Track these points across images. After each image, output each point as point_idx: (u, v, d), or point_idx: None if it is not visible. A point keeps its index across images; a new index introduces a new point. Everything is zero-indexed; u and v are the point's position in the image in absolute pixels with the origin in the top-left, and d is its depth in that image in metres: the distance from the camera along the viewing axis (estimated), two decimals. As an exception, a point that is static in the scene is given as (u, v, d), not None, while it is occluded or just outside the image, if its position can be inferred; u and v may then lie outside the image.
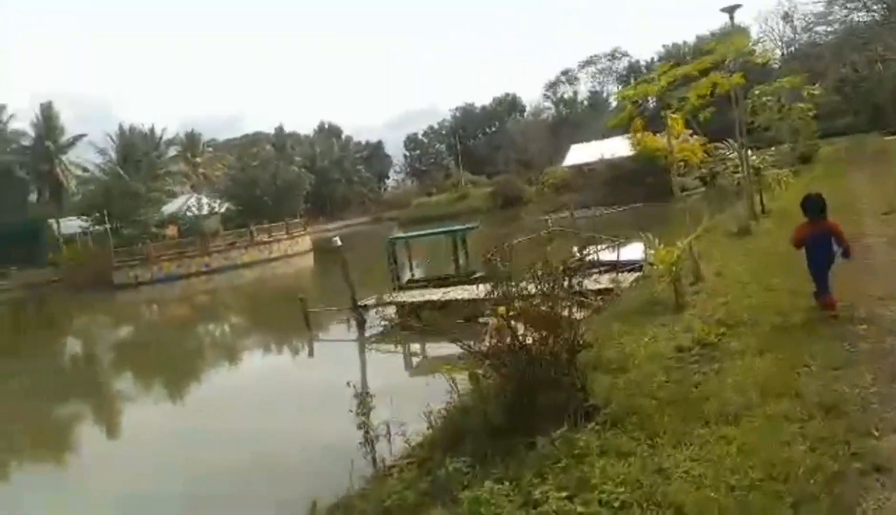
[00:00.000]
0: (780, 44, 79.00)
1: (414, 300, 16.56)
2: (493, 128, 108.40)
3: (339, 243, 17.33)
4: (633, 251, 16.48)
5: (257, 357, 19.04)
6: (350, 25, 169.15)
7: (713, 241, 13.31)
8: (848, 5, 41.04)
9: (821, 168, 31.17)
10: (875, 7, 39.75)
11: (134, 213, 50.94)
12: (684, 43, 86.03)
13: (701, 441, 4.52)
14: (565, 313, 5.78)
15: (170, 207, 52.12)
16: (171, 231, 50.89)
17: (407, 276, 20.04)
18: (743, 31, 13.82)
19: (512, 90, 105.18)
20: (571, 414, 5.11)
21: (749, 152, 17.82)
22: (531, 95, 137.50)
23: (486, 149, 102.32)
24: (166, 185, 61.63)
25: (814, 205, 7.58)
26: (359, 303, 16.67)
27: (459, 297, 15.70)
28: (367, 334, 17.06)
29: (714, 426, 4.71)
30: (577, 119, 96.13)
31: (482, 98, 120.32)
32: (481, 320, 13.10)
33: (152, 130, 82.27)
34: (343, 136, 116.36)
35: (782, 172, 19.14)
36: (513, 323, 5.71)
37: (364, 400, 7.31)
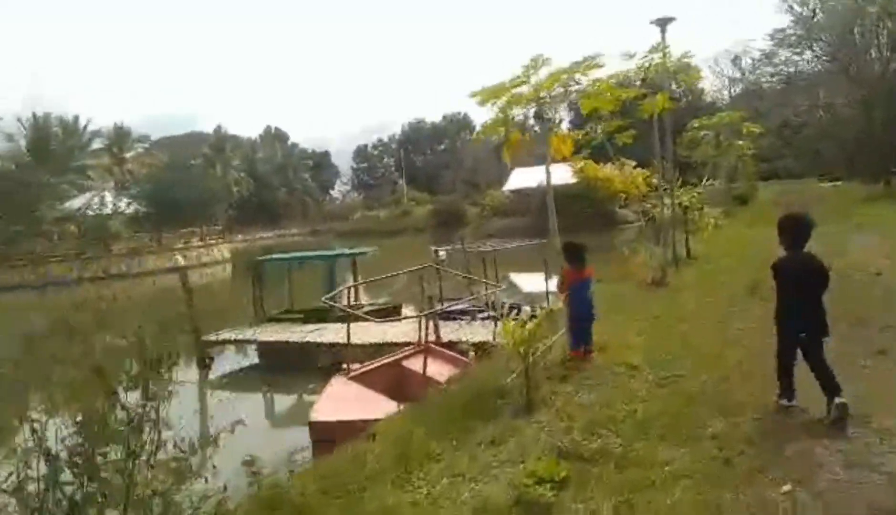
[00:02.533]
0: (727, 85, 79.71)
1: (268, 339, 13.59)
2: (443, 146, 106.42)
3: (182, 262, 14.16)
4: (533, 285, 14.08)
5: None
6: (315, 38, 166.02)
7: (618, 295, 10.86)
8: (793, 48, 40.35)
9: (754, 212, 29.63)
10: (819, 51, 39.11)
11: (35, 207, 46.15)
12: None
13: None
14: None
15: (74, 204, 47.42)
16: (72, 230, 46.25)
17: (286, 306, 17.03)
18: (666, 47, 11.51)
19: (464, 109, 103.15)
20: None
21: (677, 188, 15.60)
22: (484, 116, 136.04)
23: (434, 167, 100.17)
24: (79, 179, 56.92)
25: (577, 253, 7.15)
26: (203, 339, 13.54)
27: (317, 341, 12.87)
28: (222, 372, 14.03)
29: None
30: (525, 143, 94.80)
31: (434, 114, 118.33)
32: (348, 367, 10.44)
33: (75, 120, 77.26)
34: (289, 143, 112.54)
35: (714, 212, 17.01)
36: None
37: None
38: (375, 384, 9.72)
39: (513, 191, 58.81)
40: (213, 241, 49.50)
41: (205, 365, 13.83)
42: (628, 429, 4.87)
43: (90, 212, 44.60)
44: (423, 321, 10.74)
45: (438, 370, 9.70)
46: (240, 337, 13.71)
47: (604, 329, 8.48)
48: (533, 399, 5.64)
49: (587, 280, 7.14)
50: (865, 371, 5.90)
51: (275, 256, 19.23)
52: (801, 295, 4.94)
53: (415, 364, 10.50)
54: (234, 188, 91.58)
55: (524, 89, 8.66)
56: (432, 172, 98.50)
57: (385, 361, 10.48)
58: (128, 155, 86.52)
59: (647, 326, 8.47)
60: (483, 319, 13.30)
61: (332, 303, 11.06)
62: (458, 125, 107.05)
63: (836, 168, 56.21)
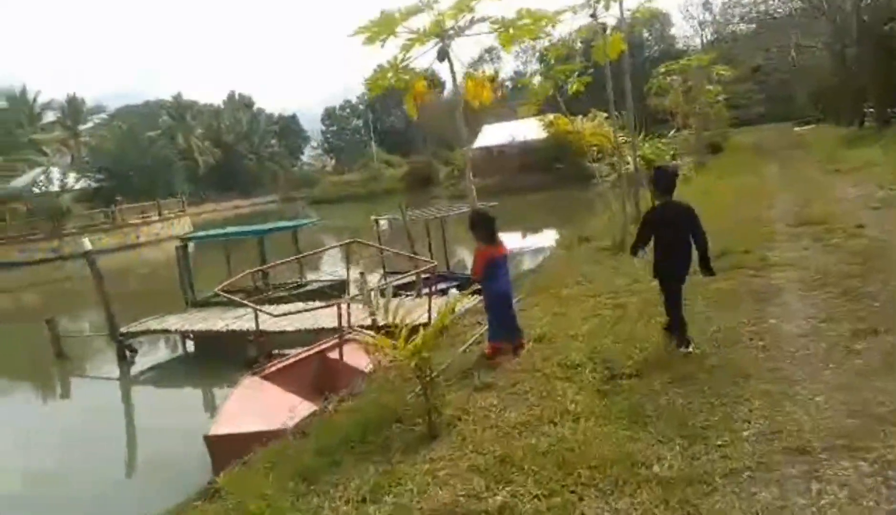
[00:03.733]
0: (698, 30, 78.07)
1: (191, 328, 12.21)
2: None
3: (88, 247, 12.64)
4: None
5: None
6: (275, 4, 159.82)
7: (574, 262, 9.62)
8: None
9: (729, 160, 28.42)
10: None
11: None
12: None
13: None
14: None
15: (19, 182, 44.99)
16: (20, 210, 43.93)
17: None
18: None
19: (433, 66, 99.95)
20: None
21: (640, 139, 14.26)
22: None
23: (405, 127, 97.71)
24: (31, 155, 54.18)
25: (487, 226, 5.82)
26: (121, 331, 12.09)
27: (243, 329, 11.53)
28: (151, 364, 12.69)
29: None
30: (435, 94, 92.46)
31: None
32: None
33: (23, 92, 73.58)
34: (254, 108, 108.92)
35: (683, 163, 15.74)
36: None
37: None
38: (292, 381, 8.47)
39: (483, 149, 57.09)
40: (171, 215, 47.36)
41: (124, 357, 12.43)
42: (549, 469, 3.63)
43: (36, 190, 42.29)
44: (349, 303, 9.43)
45: (366, 360, 8.48)
46: (160, 326, 12.30)
47: (549, 311, 7.25)
48: (437, 423, 4.38)
49: (503, 257, 5.91)
50: (856, 361, 4.71)
51: (200, 233, 17.64)
52: (674, 240, 5.33)
53: (337, 354, 9.26)
54: (200, 157, 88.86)
55: (423, 21, 6.94)
56: (403, 133, 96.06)
57: (305, 353, 9.20)
58: (82, 127, 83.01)
59: (598, 305, 7.22)
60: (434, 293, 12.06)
61: (226, 295, 9.67)
62: (426, 83, 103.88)
63: (809, 111, 55.41)
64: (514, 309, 6.04)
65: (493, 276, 5.75)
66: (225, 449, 7.11)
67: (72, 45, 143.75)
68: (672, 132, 21.32)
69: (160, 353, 13.16)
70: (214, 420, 7.39)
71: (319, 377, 9.05)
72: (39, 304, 27.98)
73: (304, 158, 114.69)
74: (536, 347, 5.92)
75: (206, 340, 12.28)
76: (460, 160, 61.08)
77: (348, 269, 11.92)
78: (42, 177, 43.29)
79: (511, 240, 29.05)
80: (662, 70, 21.90)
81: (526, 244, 24.90)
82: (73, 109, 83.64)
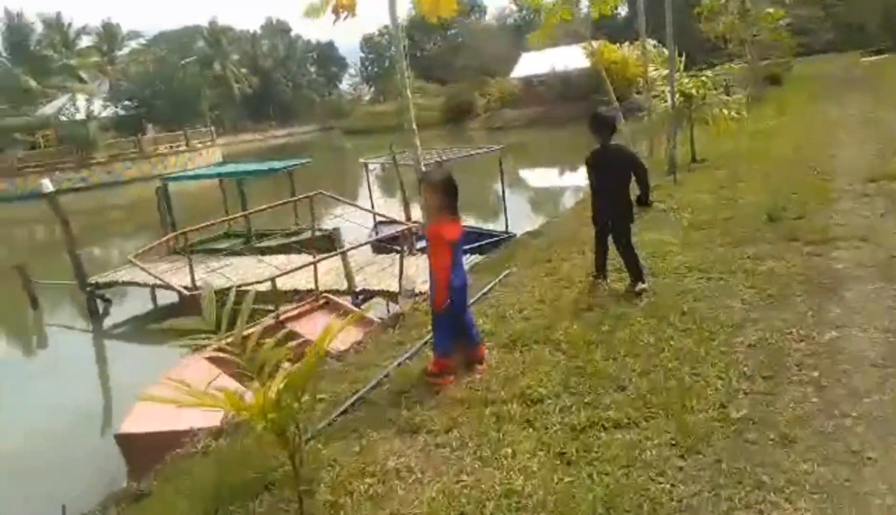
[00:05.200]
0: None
1: (159, 280, 11.03)
2: (453, 31, 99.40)
3: (49, 188, 11.45)
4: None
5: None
6: None
7: (586, 219, 7.89)
8: None
9: (788, 94, 25.42)
10: None
11: (7, 113, 43.52)
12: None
13: None
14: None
15: (47, 110, 44.49)
16: (49, 137, 43.60)
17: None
18: None
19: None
20: None
21: (680, 70, 12.14)
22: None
23: (445, 55, 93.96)
24: (67, 81, 53.65)
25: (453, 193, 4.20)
26: (90, 281, 10.98)
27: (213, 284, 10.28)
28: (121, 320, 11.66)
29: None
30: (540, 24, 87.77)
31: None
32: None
33: (58, 17, 72.89)
34: (292, 35, 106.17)
35: (733, 100, 13.52)
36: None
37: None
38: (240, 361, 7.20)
39: (521, 79, 54.13)
40: (200, 145, 46.43)
41: (95, 310, 11.41)
42: None
43: (63, 118, 41.72)
44: (322, 264, 8.06)
45: (339, 334, 7.14)
46: (128, 277, 11.12)
47: (536, 296, 5.69)
48: (309, 506, 2.97)
49: (463, 236, 4.22)
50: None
51: (180, 174, 16.31)
52: (609, 184, 5.38)
53: (306, 325, 7.94)
54: (236, 85, 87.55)
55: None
56: (442, 60, 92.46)
57: (265, 324, 7.89)
58: (119, 53, 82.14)
59: (602, 288, 5.62)
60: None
61: (139, 264, 8.32)
62: (466, 5, 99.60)
63: (882, 39, 50.29)
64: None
65: (454, 264, 4.23)
66: (138, 449, 5.98)
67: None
68: (724, 64, 18.74)
69: (136, 305, 12.11)
70: (128, 412, 6.19)
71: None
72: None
73: (343, 86, 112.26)
74: (503, 358, 4.41)
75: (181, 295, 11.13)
76: (499, 90, 58.61)
77: (314, 223, 10.47)
78: (69, 105, 42.55)
79: (548, 177, 26.95)
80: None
81: (563, 182, 23.04)
82: (109, 35, 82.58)
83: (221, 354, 7.29)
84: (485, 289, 6.02)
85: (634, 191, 5.55)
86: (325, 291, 9.03)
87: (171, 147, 45.01)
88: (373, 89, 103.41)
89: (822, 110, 19.20)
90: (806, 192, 8.40)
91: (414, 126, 5.60)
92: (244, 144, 73.66)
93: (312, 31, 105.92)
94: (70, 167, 40.20)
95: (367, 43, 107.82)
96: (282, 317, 8.05)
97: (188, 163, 44.55)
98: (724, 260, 6.03)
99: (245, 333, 7.53)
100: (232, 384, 6.72)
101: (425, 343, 4.78)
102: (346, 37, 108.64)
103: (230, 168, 14.88)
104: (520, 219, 12.47)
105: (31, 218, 33.61)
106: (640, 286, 5.33)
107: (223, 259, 11.93)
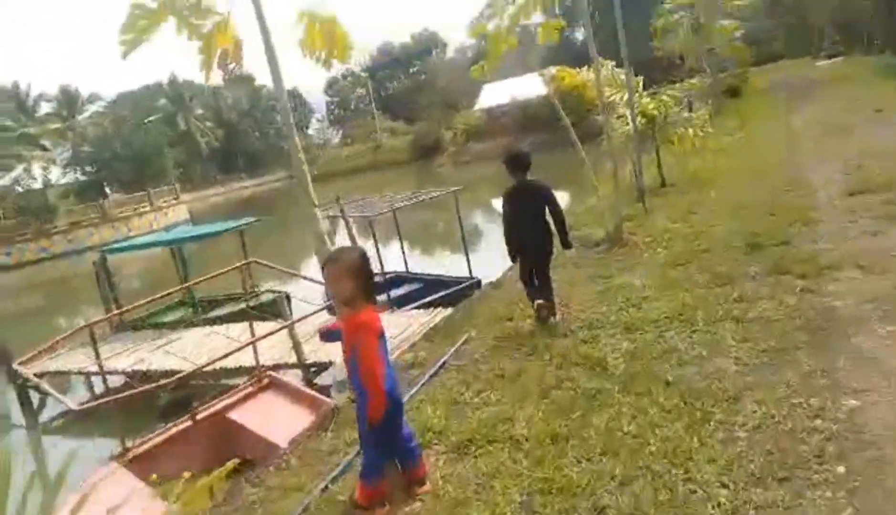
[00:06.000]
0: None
1: (95, 367, 10.02)
2: (415, 69, 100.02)
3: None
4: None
5: None
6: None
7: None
8: None
9: (750, 105, 25.22)
10: None
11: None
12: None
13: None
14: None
15: (4, 181, 43.24)
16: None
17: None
18: None
19: (433, 28, 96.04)
20: None
21: (639, 88, 11.60)
22: (456, 34, 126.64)
23: (409, 92, 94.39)
24: (28, 150, 52.43)
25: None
26: (15, 366, 9.76)
27: (154, 368, 9.35)
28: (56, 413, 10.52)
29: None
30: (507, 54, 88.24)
31: (402, 36, 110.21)
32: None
33: (15, 86, 72.12)
34: (255, 84, 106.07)
35: (696, 117, 13.02)
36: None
37: None
38: (171, 464, 6.25)
39: (484, 110, 54.08)
40: (164, 204, 45.37)
41: (28, 402, 10.31)
42: None
43: (18, 189, 40.56)
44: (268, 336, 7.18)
45: (286, 420, 6.24)
46: (59, 366, 10.04)
47: (488, 376, 4.85)
48: None
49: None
50: None
51: (116, 245, 15.33)
52: (526, 217, 5.55)
53: (249, 412, 7.01)
54: (202, 139, 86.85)
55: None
56: (407, 98, 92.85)
57: (202, 414, 6.96)
58: (80, 117, 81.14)
59: (567, 359, 4.80)
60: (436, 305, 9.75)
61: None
62: (426, 42, 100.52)
63: (834, 42, 51.15)
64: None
65: (390, 376, 3.26)
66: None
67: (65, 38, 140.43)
68: (684, 80, 18.40)
69: (77, 393, 11.03)
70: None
71: (217, 450, 6.83)
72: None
73: (310, 132, 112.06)
74: (451, 471, 3.55)
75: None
76: (464, 123, 58.47)
77: (245, 289, 9.58)
78: (24, 175, 41.42)
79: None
80: (668, 4, 18.93)
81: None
82: (68, 99, 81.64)
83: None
84: (438, 364, 5.18)
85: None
86: (274, 366, 8.13)
87: (135, 209, 43.88)
88: (340, 133, 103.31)
89: (786, 120, 18.89)
90: (784, 213, 7.74)
91: (308, 181, 4.33)
92: (212, 198, 72.62)
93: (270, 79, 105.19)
94: (28, 238, 38.93)
95: (331, 87, 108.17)
96: (222, 405, 7.11)
97: (153, 224, 43.46)
98: (708, 304, 5.27)
99: (173, 432, 6.67)
100: (147, 498, 5.81)
101: (359, 453, 3.91)
102: (310, 82, 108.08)
103: (164, 236, 13.89)
104: (488, 258, 11.70)
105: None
106: (539, 302, 5.53)
107: (170, 333, 10.97)
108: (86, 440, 9.83)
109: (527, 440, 3.68)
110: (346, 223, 9.53)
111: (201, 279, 9.81)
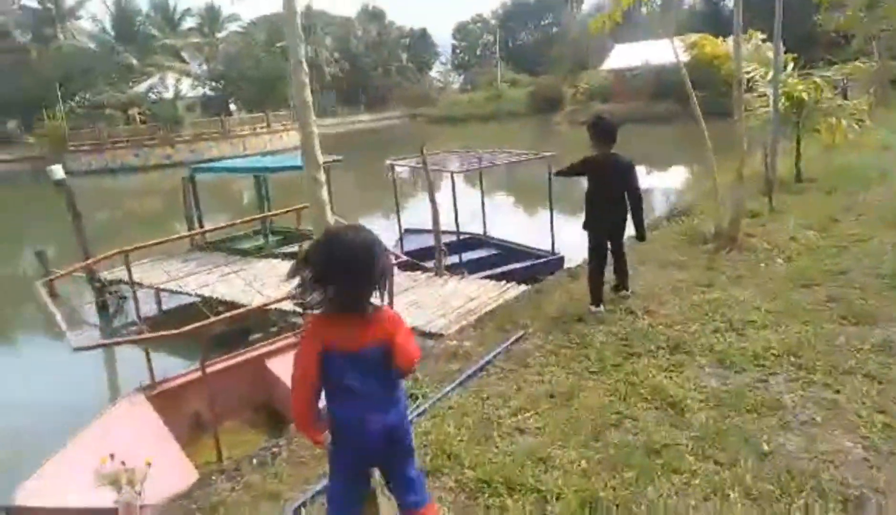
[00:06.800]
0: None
1: (157, 283, 10.01)
2: (548, 21, 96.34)
3: (60, 175, 10.46)
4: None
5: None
6: None
7: (644, 256, 6.02)
8: None
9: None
10: None
11: (103, 90, 45.24)
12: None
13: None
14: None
15: (141, 88, 45.77)
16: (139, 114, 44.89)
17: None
18: None
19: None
20: None
21: (788, 69, 9.92)
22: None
23: (538, 45, 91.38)
24: (168, 61, 55.37)
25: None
26: (52, 276, 9.64)
27: (210, 294, 9.16)
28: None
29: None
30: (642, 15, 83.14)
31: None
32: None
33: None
34: (386, 21, 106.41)
35: (853, 105, 11.08)
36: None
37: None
38: (192, 405, 5.93)
39: (613, 71, 51.11)
40: (281, 128, 46.55)
41: (105, 306, 10.50)
42: None
43: (152, 96, 42.77)
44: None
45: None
46: (134, 277, 10.04)
47: (531, 391, 3.99)
48: None
49: (365, 349, 2.22)
50: None
51: (204, 166, 15.18)
52: (608, 194, 5.13)
53: (284, 365, 6.53)
54: (327, 69, 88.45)
55: None
56: (536, 50, 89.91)
57: (240, 357, 6.59)
58: (219, 35, 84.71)
59: (621, 411, 3.85)
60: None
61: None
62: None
63: None
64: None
65: (338, 396, 2.30)
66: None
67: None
68: (846, 63, 15.94)
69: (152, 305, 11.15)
70: (34, 475, 4.96)
71: (251, 395, 6.46)
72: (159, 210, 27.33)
73: (432, 74, 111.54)
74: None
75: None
76: (588, 82, 55.77)
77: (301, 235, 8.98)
78: (159, 84, 43.61)
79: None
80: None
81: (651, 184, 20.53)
82: (211, 16, 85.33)
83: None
84: (480, 364, 4.38)
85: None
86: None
87: (253, 129, 45.31)
88: (462, 77, 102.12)
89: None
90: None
91: (315, 140, 2.86)
92: (329, 128, 74.00)
93: (405, 17, 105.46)
94: (156, 144, 41.16)
95: (460, 31, 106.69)
96: (261, 351, 6.70)
97: (267, 145, 44.76)
98: (834, 347, 4.12)
99: (214, 369, 6.32)
100: (160, 439, 5.47)
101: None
102: (440, 24, 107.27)
103: (248, 162, 13.58)
104: (574, 237, 10.50)
105: (119, 190, 34.77)
106: (625, 293, 5.39)
107: (242, 260, 10.80)
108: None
109: (557, 498, 2.84)
110: (427, 175, 8.78)
111: (275, 213, 9.42)
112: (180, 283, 9.85)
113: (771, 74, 9.97)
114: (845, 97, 14.30)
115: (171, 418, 5.67)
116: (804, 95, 9.39)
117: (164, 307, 10.52)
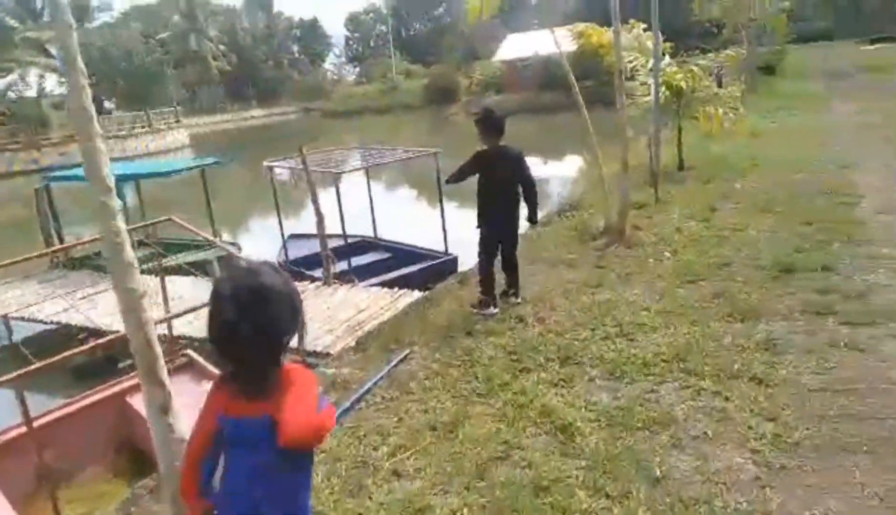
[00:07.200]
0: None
1: (9, 310, 8.91)
2: (439, 10, 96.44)
3: None
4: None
5: None
6: None
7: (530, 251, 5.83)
8: None
9: (785, 86, 23.34)
10: None
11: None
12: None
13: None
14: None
15: (-1, 86, 41.68)
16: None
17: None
18: None
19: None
20: None
21: (667, 58, 10.11)
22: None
23: (431, 35, 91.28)
24: (30, 55, 50.65)
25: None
26: None
27: (73, 322, 8.21)
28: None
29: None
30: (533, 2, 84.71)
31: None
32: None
33: (27, -9, 69.77)
34: (274, 12, 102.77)
35: (727, 93, 11.49)
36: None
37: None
38: (75, 443, 5.22)
39: (506, 62, 51.78)
40: (164, 126, 43.76)
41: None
42: None
43: (11, 95, 39.01)
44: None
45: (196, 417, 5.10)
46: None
47: (414, 423, 3.63)
48: None
49: (262, 417, 1.71)
50: None
51: (59, 173, 13.84)
52: (498, 186, 5.02)
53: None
54: (213, 62, 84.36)
55: None
56: (429, 41, 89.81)
57: (96, 395, 5.83)
58: (89, 25, 78.66)
59: (510, 441, 3.58)
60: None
61: None
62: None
63: (881, 26, 48.36)
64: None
65: (229, 464, 1.84)
66: None
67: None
68: (718, 51, 16.69)
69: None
70: None
71: (116, 436, 5.74)
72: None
73: (326, 66, 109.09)
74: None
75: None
76: (481, 72, 56.25)
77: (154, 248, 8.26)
78: (19, 82, 39.81)
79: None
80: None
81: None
82: (78, 5, 79.03)
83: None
84: (358, 394, 3.96)
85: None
86: (197, 339, 6.94)
87: (132, 128, 42.35)
88: (357, 70, 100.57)
89: (828, 105, 17.25)
90: (826, 224, 6.41)
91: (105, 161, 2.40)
92: (218, 125, 70.51)
93: (295, 7, 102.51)
94: (19, 148, 37.63)
95: (352, 21, 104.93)
96: (123, 386, 5.96)
97: (149, 146, 42.04)
98: (722, 348, 4.03)
99: (62, 413, 5.55)
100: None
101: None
102: (332, 15, 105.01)
103: (122, 168, 12.39)
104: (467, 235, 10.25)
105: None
106: (515, 300, 5.23)
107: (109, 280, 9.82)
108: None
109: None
110: (308, 176, 8.21)
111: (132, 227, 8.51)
112: (36, 309, 8.77)
113: (651, 63, 10.12)
114: (720, 84, 14.92)
115: (5, 476, 4.88)
116: (682, 84, 9.57)
117: (21, 336, 9.39)
